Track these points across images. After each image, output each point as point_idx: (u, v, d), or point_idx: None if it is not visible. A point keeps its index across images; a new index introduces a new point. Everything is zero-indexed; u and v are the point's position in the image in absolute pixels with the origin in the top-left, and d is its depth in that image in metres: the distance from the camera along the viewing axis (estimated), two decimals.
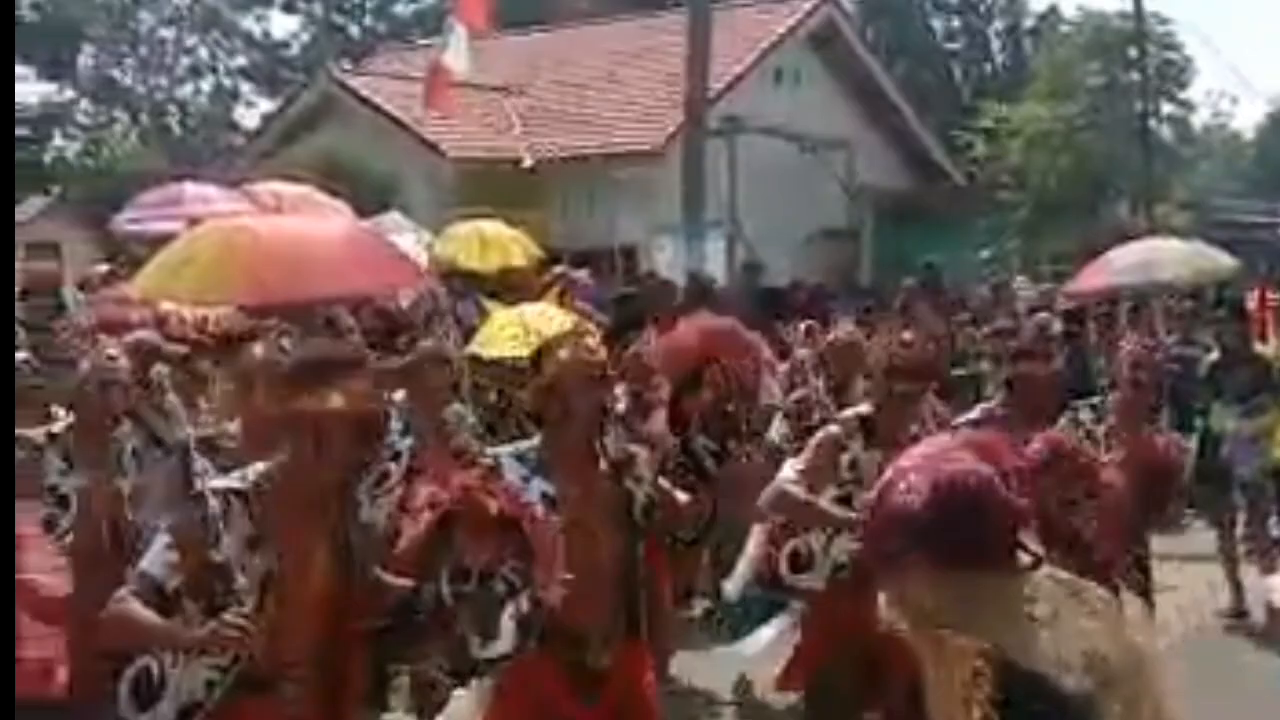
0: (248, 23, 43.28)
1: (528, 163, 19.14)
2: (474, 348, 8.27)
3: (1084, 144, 26.60)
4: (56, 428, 5.32)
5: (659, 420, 6.89)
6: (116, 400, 5.29)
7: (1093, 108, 28.06)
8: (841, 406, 6.47)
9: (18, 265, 8.75)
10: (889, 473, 2.58)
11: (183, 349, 6.13)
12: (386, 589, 3.74)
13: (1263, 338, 10.99)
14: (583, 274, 11.48)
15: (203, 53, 42.87)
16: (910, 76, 32.02)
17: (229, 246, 6.59)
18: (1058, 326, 12.24)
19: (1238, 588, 8.65)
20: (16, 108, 36.90)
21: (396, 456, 5.91)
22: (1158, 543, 5.79)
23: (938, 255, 16.46)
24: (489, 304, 9.84)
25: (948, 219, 20.46)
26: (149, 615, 3.38)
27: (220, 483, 3.63)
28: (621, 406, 6.55)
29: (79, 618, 3.85)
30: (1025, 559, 2.52)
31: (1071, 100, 27.77)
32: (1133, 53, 26.47)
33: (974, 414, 5.91)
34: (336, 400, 3.48)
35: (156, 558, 3.45)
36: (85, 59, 41.17)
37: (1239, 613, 8.57)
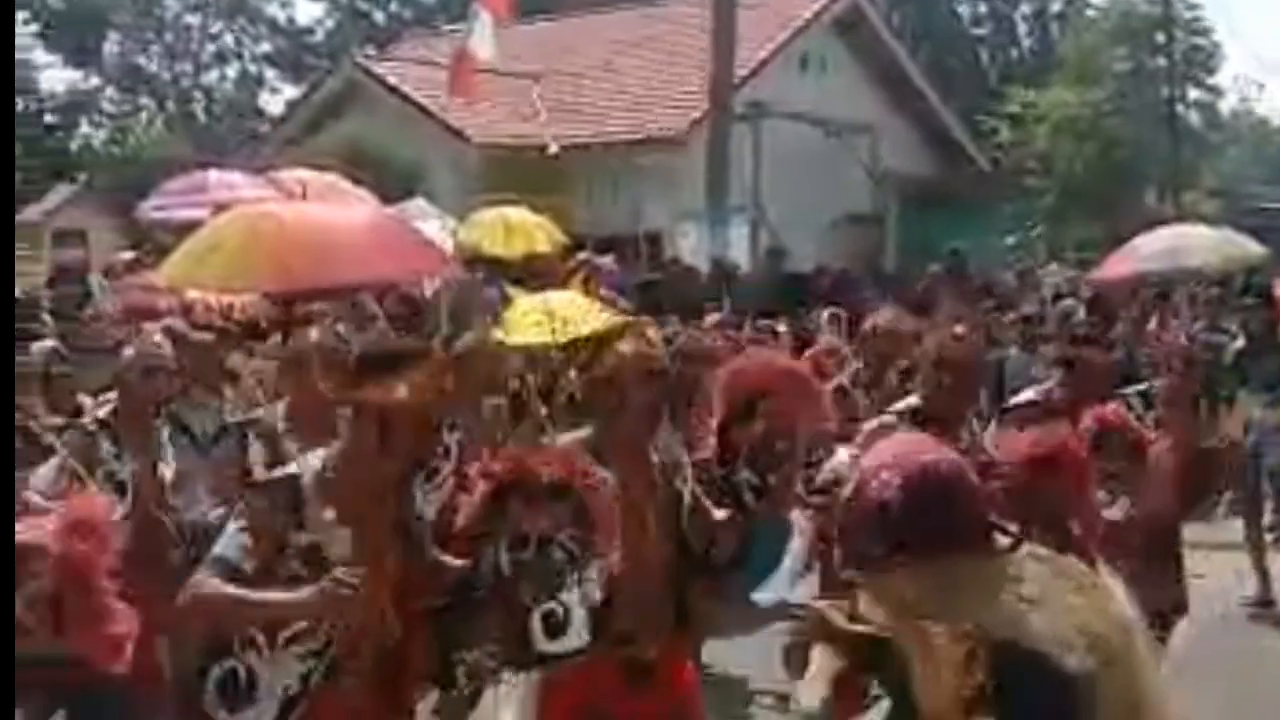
0: (273, 9, 43.56)
1: (553, 149, 19.04)
2: (497, 334, 8.28)
3: (1111, 130, 26.36)
4: (102, 413, 5.31)
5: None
6: (161, 387, 5.28)
7: (1120, 93, 27.82)
8: (876, 399, 6.43)
9: (46, 254, 8.78)
10: (860, 473, 2.60)
11: (209, 336, 6.14)
12: (445, 569, 3.73)
13: None
14: (607, 260, 11.48)
15: (228, 39, 43.03)
16: (936, 61, 31.78)
17: (254, 233, 6.56)
18: (1082, 314, 12.19)
19: (1264, 576, 8.62)
20: (43, 96, 37.19)
21: (446, 452, 5.91)
22: (1186, 531, 5.78)
23: (963, 241, 16.41)
24: (513, 290, 9.85)
25: (973, 205, 20.38)
26: (238, 590, 3.36)
27: (283, 470, 3.67)
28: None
29: (142, 604, 3.85)
30: (1003, 540, 2.56)
31: (1098, 85, 27.49)
32: (1160, 38, 26.31)
33: (1030, 394, 5.93)
34: (403, 392, 3.49)
35: (230, 541, 3.45)
36: (111, 46, 41.40)
37: (1265, 601, 8.55)
